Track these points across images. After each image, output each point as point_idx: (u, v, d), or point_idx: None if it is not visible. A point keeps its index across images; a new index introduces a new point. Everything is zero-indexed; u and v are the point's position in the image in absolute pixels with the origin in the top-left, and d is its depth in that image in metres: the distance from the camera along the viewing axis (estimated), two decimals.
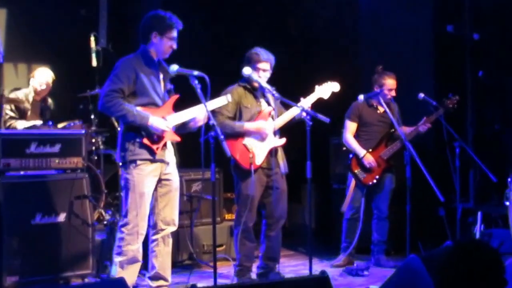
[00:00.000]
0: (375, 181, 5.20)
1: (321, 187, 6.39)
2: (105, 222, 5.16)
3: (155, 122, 3.71)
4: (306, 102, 4.48)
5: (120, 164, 3.88)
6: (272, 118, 4.56)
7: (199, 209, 5.36)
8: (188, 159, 5.60)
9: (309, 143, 4.04)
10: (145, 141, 3.75)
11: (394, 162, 5.24)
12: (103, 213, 5.46)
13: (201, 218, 5.50)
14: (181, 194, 5.12)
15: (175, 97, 3.91)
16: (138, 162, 3.75)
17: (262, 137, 4.50)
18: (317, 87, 4.61)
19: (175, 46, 3.83)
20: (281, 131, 4.69)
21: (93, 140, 5.68)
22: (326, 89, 4.60)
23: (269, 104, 4.61)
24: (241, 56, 4.62)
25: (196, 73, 3.70)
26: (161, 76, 3.88)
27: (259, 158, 4.48)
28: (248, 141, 4.50)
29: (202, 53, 6.34)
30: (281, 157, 4.64)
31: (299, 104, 4.37)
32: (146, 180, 3.78)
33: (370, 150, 5.20)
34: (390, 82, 5.19)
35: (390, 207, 5.27)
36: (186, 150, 4.99)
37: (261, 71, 4.51)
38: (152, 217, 3.93)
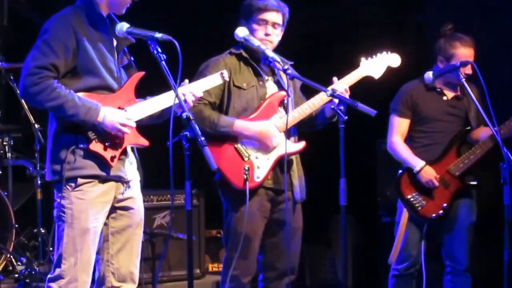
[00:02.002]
0: (441, 212, 5.12)
1: (364, 221, 6.36)
2: (16, 275, 5.15)
3: (110, 115, 3.69)
4: (341, 85, 4.43)
5: (53, 183, 3.82)
6: (285, 109, 4.53)
7: (166, 255, 5.37)
8: (149, 176, 5.68)
9: (343, 150, 4.06)
10: (94, 146, 3.73)
11: (477, 179, 5.19)
12: (13, 260, 5.47)
13: (169, 270, 5.53)
14: None
15: (138, 75, 3.88)
16: (80, 180, 3.73)
17: (266, 142, 4.50)
18: (363, 60, 4.62)
19: None
20: (299, 132, 4.67)
21: None
22: (379, 64, 4.65)
23: (281, 86, 4.59)
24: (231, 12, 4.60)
25: (159, 35, 3.70)
26: (115, 42, 3.87)
27: (260, 171, 4.48)
28: (242, 143, 4.50)
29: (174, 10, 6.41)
30: (296, 172, 4.60)
31: (329, 88, 4.32)
32: (92, 210, 3.75)
33: (431, 160, 5.13)
34: (463, 52, 5.09)
35: (471, 254, 5.19)
36: (145, 160, 5.06)
37: (269, 26, 4.50)
38: (99, 267, 3.89)
